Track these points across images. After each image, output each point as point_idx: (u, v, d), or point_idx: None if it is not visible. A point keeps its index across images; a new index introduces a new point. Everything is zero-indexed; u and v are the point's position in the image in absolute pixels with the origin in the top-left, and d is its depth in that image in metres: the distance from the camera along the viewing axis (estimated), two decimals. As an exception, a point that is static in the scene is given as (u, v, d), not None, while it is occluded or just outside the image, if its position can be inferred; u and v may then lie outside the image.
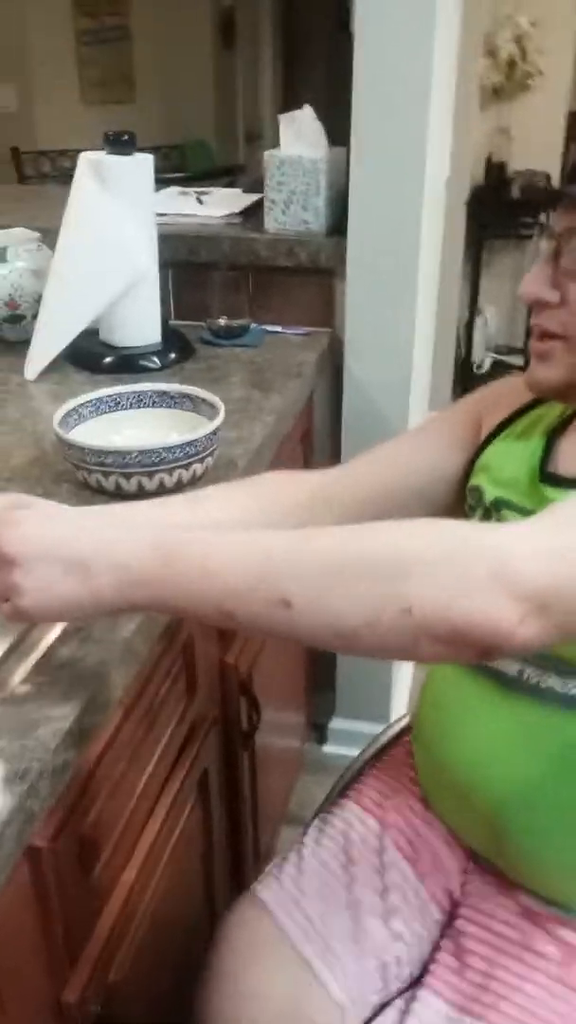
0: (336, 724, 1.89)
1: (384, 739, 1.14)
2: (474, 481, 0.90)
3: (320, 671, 1.83)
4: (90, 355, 1.40)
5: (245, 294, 1.54)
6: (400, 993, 0.84)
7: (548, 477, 0.82)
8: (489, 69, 3.38)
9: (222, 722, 1.20)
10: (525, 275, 0.78)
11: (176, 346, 1.44)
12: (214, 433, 0.99)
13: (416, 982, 0.84)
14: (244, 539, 0.61)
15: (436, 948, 0.85)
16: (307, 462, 1.59)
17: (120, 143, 1.30)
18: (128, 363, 1.38)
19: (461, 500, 0.92)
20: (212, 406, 1.05)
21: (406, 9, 1.29)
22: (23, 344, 1.39)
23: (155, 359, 1.39)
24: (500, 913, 0.84)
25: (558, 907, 0.84)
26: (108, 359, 1.39)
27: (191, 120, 4.39)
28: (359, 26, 1.33)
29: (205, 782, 1.09)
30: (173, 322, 1.59)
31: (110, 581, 0.60)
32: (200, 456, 0.98)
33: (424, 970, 0.84)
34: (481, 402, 0.94)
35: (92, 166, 1.31)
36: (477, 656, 0.56)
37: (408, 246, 1.43)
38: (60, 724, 0.67)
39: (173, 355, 1.42)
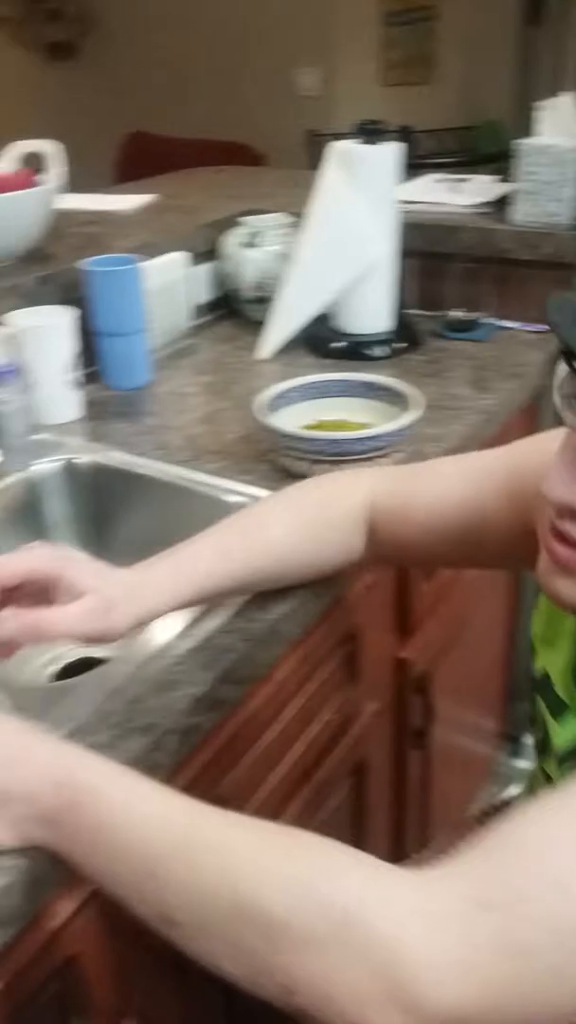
0: (531, 739, 1.81)
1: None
2: None
3: (517, 682, 1.77)
4: (322, 340, 1.44)
5: (484, 287, 1.51)
6: None
7: None
8: None
9: (393, 717, 1.21)
10: (549, 470, 0.57)
11: (405, 336, 1.44)
12: (401, 430, 0.99)
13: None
14: (150, 806, 0.54)
15: None
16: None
17: (370, 132, 1.32)
18: (354, 350, 1.40)
19: None
20: (410, 401, 1.05)
21: None
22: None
23: (381, 348, 1.40)
24: None
25: None
26: (336, 345, 1.42)
27: (488, 101, 4.28)
28: None
29: (361, 772, 1.10)
30: (411, 311, 1.59)
31: (21, 810, 0.55)
32: (384, 451, 0.98)
33: None
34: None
35: (340, 155, 1.34)
36: None
37: None
38: (193, 690, 0.72)
39: (400, 345, 1.42)
